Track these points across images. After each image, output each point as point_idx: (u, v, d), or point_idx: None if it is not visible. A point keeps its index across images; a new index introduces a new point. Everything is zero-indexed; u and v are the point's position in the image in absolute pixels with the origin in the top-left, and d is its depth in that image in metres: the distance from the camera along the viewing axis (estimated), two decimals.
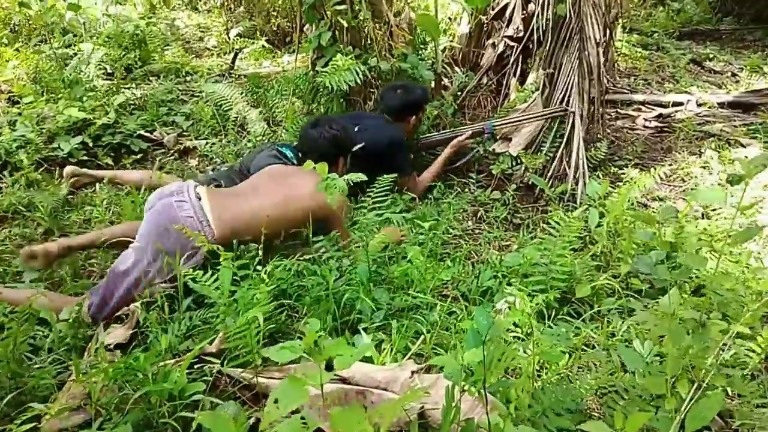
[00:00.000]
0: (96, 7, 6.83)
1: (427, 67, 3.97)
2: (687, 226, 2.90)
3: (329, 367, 1.27)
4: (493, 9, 4.29)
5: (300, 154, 2.86)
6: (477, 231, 3.16)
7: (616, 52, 6.28)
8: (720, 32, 8.00)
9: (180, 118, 4.40)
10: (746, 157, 3.97)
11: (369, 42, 3.78)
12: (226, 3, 7.46)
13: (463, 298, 2.52)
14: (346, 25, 3.60)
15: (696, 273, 2.38)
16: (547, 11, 3.57)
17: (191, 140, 4.13)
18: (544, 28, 3.60)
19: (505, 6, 3.97)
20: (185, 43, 6.98)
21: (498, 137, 3.73)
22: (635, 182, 3.11)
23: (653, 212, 3.17)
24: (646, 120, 4.76)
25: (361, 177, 2.12)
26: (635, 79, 5.81)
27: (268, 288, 1.83)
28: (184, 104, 4.69)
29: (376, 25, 3.80)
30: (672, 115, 4.84)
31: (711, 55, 6.86)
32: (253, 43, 6.45)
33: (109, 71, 5.15)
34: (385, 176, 2.59)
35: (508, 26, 3.91)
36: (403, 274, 2.26)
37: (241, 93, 4.71)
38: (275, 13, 7.13)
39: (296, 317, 2.20)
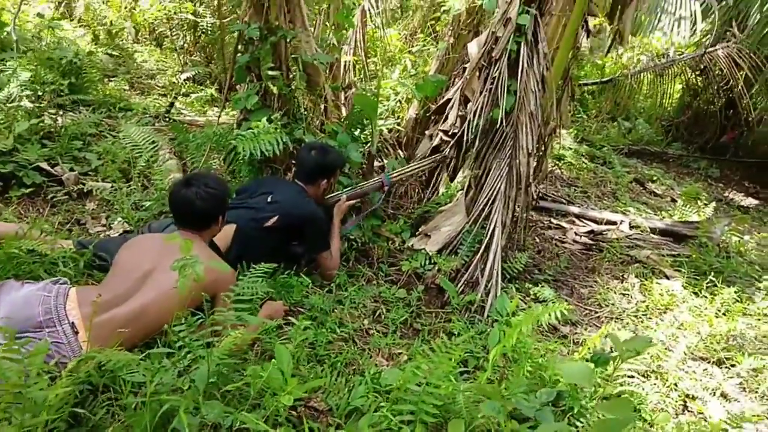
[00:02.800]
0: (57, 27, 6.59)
1: (360, 148, 3.81)
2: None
3: None
4: (438, 100, 4.22)
5: (175, 219, 2.56)
6: (371, 332, 2.91)
7: (562, 159, 6.33)
8: (668, 155, 8.21)
9: (92, 155, 4.10)
10: (669, 290, 3.90)
11: (300, 112, 3.61)
12: (186, 45, 7.32)
13: (329, 414, 2.26)
14: (276, 91, 3.42)
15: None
16: (483, 114, 3.47)
17: (96, 181, 3.82)
18: (474, 130, 3.50)
19: (448, 101, 3.88)
20: (135, 77, 6.75)
21: (417, 234, 3.58)
22: (554, 305, 2.93)
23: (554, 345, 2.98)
24: (576, 234, 4.69)
25: (225, 267, 1.87)
26: (576, 190, 5.80)
27: (65, 388, 1.51)
28: (104, 141, 4.40)
29: (310, 97, 3.65)
30: (603, 233, 4.78)
31: (655, 177, 6.98)
32: (202, 89, 6.26)
33: (40, 94, 4.86)
34: (262, 265, 2.34)
35: (445, 121, 3.81)
36: (256, 383, 1.97)
37: (167, 140, 4.48)
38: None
39: (119, 417, 1.87)
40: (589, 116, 8.11)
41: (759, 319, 3.75)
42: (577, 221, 4.99)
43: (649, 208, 5.83)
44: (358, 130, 3.94)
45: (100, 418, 1.81)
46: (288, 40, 3.46)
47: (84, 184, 3.71)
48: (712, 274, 4.05)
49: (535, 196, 3.75)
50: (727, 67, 7.02)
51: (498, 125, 3.48)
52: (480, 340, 2.87)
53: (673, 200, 6.40)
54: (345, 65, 5.65)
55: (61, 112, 4.84)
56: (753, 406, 2.90)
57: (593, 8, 3.65)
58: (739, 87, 7.14)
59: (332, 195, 3.53)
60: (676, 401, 2.79)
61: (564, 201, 5.37)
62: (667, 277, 4.14)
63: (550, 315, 2.34)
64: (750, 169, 8.47)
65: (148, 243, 2.39)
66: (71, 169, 3.83)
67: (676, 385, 2.90)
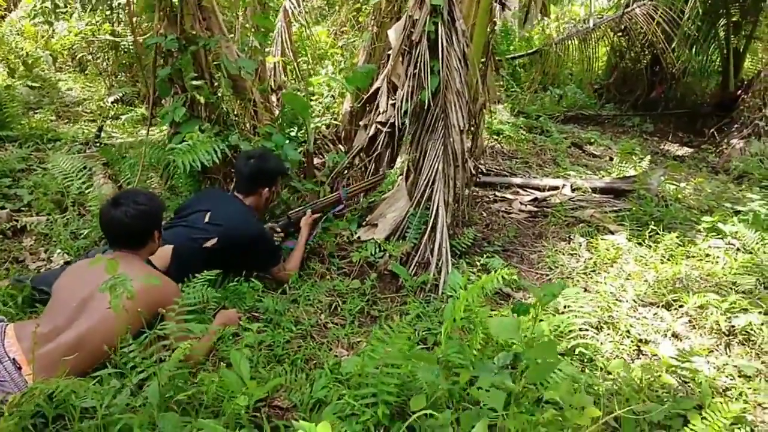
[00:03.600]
0: None
1: (296, 146, 3.80)
2: (543, 323, 2.80)
3: None
4: (369, 90, 4.24)
5: (108, 241, 2.50)
6: (328, 326, 2.92)
7: (500, 134, 6.45)
8: (602, 117, 8.46)
9: (23, 191, 3.99)
10: (614, 244, 4.02)
11: (230, 118, 3.58)
12: (110, 67, 7.15)
13: (294, 410, 2.27)
14: (203, 101, 3.39)
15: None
16: (411, 98, 3.51)
17: (30, 216, 3.72)
18: (405, 115, 3.54)
19: (377, 90, 3.90)
20: (62, 107, 6.57)
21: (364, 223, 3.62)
22: (496, 272, 2.99)
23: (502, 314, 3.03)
24: (521, 204, 4.80)
25: (165, 281, 1.85)
26: (517, 162, 5.92)
27: (10, 422, 1.48)
28: (34, 175, 4.28)
29: (239, 102, 3.63)
30: (547, 199, 4.90)
31: (592, 139, 7.18)
32: (132, 110, 6.13)
33: None
34: (204, 273, 2.33)
35: (377, 110, 3.83)
36: (210, 388, 1.96)
37: (100, 165, 4.39)
38: None
39: None
40: (522, 89, 8.27)
41: (701, 260, 3.91)
42: (521, 191, 5.10)
43: (589, 170, 6.00)
44: (294, 129, 3.93)
45: None
46: (207, 47, 3.43)
47: (17, 221, 3.60)
48: (653, 223, 4.19)
49: (474, 172, 3.82)
50: (646, 24, 7.27)
51: (427, 107, 3.52)
52: (436, 317, 2.92)
53: (611, 159, 6.60)
54: (275, 67, 5.63)
55: None
56: (702, 341, 3.04)
57: None
58: (661, 43, 7.41)
59: (297, 210, 3.55)
60: (630, 347, 2.90)
61: (506, 173, 5.47)
62: (612, 233, 4.28)
63: (494, 281, 2.38)
64: (681, 119, 8.80)
65: (85, 268, 2.34)
66: (2, 207, 3.72)
67: (628, 332, 3.00)
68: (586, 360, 2.70)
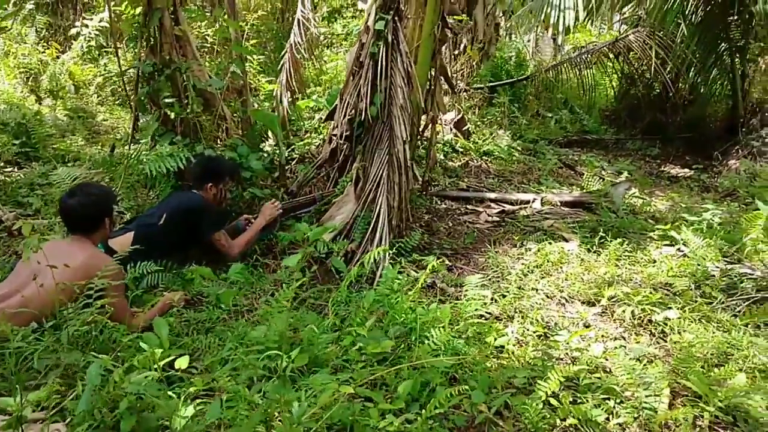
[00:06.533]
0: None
1: (259, 157, 4.24)
2: (446, 306, 3.09)
3: None
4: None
5: (66, 227, 2.97)
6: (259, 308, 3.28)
7: (490, 155, 6.74)
8: (605, 141, 8.61)
9: (35, 199, 4.58)
10: (562, 249, 4.24)
11: (200, 132, 4.07)
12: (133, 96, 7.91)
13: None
14: (173, 116, 3.89)
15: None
16: (359, 113, 3.91)
17: (35, 219, 4.28)
18: (353, 128, 3.93)
19: (336, 108, 4.33)
20: (93, 133, 7.31)
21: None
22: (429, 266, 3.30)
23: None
24: (488, 216, 5.06)
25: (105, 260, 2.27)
26: (500, 180, 6.19)
27: None
28: (48, 188, 4.89)
29: (208, 117, 4.11)
30: (516, 212, 5.15)
31: (586, 161, 7.36)
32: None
33: None
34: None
35: (336, 126, 4.25)
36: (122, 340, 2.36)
37: (107, 178, 4.96)
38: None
39: None
40: (524, 114, 8.50)
41: (645, 265, 4.07)
42: (493, 205, 5.37)
43: (571, 186, 6.19)
44: (264, 142, 4.38)
45: None
46: (182, 71, 3.94)
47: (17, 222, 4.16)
48: (602, 230, 4.38)
49: (420, 179, 4.15)
50: (640, 50, 7.45)
51: (375, 120, 3.91)
52: (356, 302, 3.24)
53: (602, 178, 6.75)
54: (279, 93, 6.19)
55: (15, 168, 5.40)
56: (611, 331, 3.22)
57: (453, 8, 4.12)
58: (658, 69, 7.57)
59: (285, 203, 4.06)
60: (534, 333, 3.11)
61: (484, 189, 5.75)
62: (566, 240, 4.49)
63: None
64: (691, 143, 8.82)
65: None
66: (11, 211, 4.29)
67: (537, 320, 3.23)
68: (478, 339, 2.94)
